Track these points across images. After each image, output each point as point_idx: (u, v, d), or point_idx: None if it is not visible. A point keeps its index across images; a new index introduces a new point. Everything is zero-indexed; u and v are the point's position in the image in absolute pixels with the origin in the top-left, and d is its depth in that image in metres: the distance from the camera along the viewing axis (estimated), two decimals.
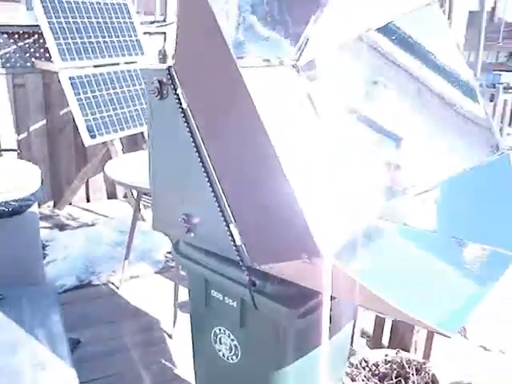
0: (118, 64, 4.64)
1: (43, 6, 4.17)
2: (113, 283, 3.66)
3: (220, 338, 1.70)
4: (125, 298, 3.47)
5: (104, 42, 4.55)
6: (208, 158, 1.44)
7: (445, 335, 1.16)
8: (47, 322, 1.89)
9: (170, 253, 3.94)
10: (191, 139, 1.46)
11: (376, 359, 2.29)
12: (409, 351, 2.43)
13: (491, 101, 8.70)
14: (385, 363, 2.26)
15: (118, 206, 5.18)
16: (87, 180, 5.13)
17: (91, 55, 4.41)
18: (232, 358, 1.66)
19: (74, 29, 4.35)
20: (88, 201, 5.25)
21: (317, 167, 1.75)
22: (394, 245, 1.69)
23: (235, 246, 1.42)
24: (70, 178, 4.97)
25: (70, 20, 4.36)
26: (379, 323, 2.77)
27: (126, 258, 3.52)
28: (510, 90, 9.26)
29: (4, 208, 2.72)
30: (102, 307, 3.35)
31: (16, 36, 4.67)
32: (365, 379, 2.16)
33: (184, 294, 2.65)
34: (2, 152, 3.70)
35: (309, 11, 1.93)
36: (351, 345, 2.64)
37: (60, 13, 4.29)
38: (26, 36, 4.68)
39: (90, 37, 4.46)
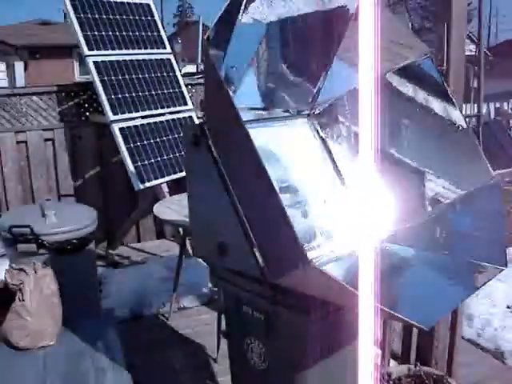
0: (163, 114, 5.09)
1: (96, 66, 4.69)
2: (163, 314, 3.98)
3: (251, 348, 1.98)
4: (174, 328, 3.78)
5: (150, 95, 5.02)
6: (235, 198, 1.76)
7: (420, 328, 1.42)
8: (105, 338, 2.22)
9: (215, 286, 4.25)
10: (222, 183, 1.79)
11: (398, 373, 2.50)
12: (430, 366, 2.63)
13: None
14: (406, 377, 2.48)
15: (166, 245, 5.55)
16: (138, 222, 5.54)
17: (139, 107, 4.88)
18: (262, 365, 1.95)
19: (124, 85, 4.85)
20: (139, 241, 5.65)
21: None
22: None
23: (258, 265, 1.72)
24: (122, 220, 5.38)
25: (120, 77, 4.86)
26: (406, 344, 2.98)
27: (174, 291, 3.85)
28: None
29: (66, 246, 3.11)
30: (153, 336, 3.67)
31: (72, 94, 5.22)
32: None
33: None
34: (61, 197, 4.14)
35: (320, 62, 2.26)
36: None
37: (111, 71, 4.81)
38: (81, 93, 5.21)
39: (138, 91, 4.94)
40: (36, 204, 3.78)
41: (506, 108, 11.77)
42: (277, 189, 1.45)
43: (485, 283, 1.83)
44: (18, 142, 5.05)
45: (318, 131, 2.25)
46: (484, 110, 10.98)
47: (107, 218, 5.32)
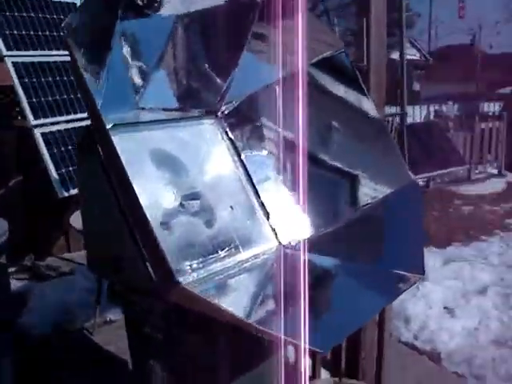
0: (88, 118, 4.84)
1: (15, 67, 4.42)
2: (87, 329, 3.75)
3: (154, 371, 1.81)
4: (97, 344, 3.56)
5: (76, 98, 4.77)
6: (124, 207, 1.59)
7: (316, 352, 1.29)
8: None
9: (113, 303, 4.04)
10: (111, 190, 1.62)
11: None
12: (357, 378, 2.52)
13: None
14: None
15: None
16: (67, 231, 5.27)
17: (63, 111, 4.63)
18: None
19: (46, 87, 4.58)
20: (69, 251, 5.38)
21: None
22: None
23: (151, 280, 1.56)
24: (49, 231, 5.11)
25: (43, 80, 4.59)
26: (334, 353, 2.87)
27: (97, 303, 3.63)
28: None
29: None
30: (73, 355, 3.43)
31: None
32: None
33: None
34: None
35: (228, 59, 2.12)
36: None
37: (32, 72, 4.54)
38: (1, 96, 4.92)
39: (62, 94, 4.69)
40: None
41: (444, 110, 12.03)
42: (143, 201, 1.28)
43: (403, 292, 1.72)
44: None
45: (226, 132, 2.10)
46: (424, 112, 11.21)
47: (32, 228, 5.08)
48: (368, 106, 2.03)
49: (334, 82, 2.08)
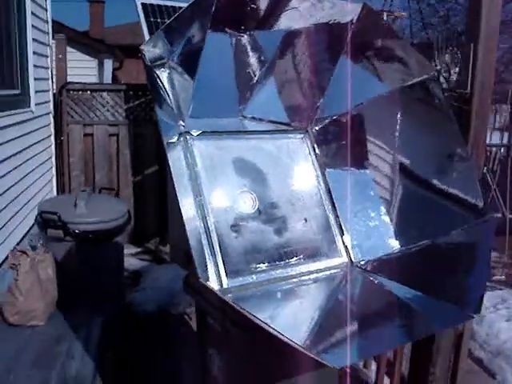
0: None
1: None
2: (188, 314, 4.04)
3: (213, 359, 1.97)
4: (193, 328, 3.82)
5: None
6: None
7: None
8: (89, 330, 2.30)
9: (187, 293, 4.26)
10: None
11: None
12: None
13: None
14: None
15: None
16: None
17: None
18: (220, 378, 1.93)
19: None
20: None
21: None
22: None
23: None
24: None
25: None
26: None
27: None
28: None
29: (90, 236, 3.25)
30: (168, 335, 3.73)
31: (140, 93, 5.44)
32: None
33: None
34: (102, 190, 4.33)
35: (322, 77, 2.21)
36: None
37: None
38: (148, 93, 5.42)
39: None
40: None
41: None
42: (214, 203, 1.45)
43: (452, 326, 1.70)
44: (85, 135, 5.36)
45: (314, 148, 2.19)
46: None
47: (162, 214, 5.47)
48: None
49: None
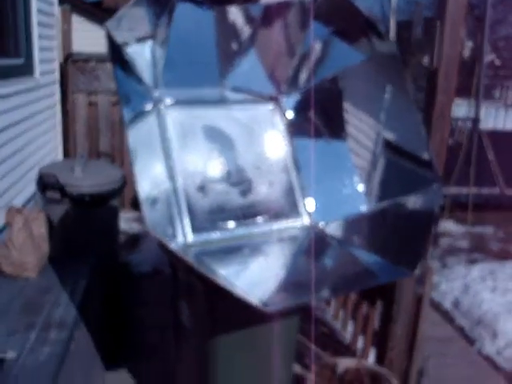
0: None
1: None
2: None
3: (182, 310, 2.18)
4: None
5: None
6: None
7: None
8: (78, 280, 2.51)
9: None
10: None
11: (347, 366, 2.54)
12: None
13: None
14: (352, 371, 2.52)
15: None
16: None
17: None
18: (188, 326, 2.14)
19: None
20: None
21: None
22: None
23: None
24: None
25: None
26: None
27: None
28: None
29: (86, 199, 3.45)
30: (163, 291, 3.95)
31: None
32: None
33: None
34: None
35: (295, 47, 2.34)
36: None
37: None
38: None
39: None
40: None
41: None
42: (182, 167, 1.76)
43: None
44: (89, 104, 5.54)
45: (284, 117, 2.34)
46: None
47: None
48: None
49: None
